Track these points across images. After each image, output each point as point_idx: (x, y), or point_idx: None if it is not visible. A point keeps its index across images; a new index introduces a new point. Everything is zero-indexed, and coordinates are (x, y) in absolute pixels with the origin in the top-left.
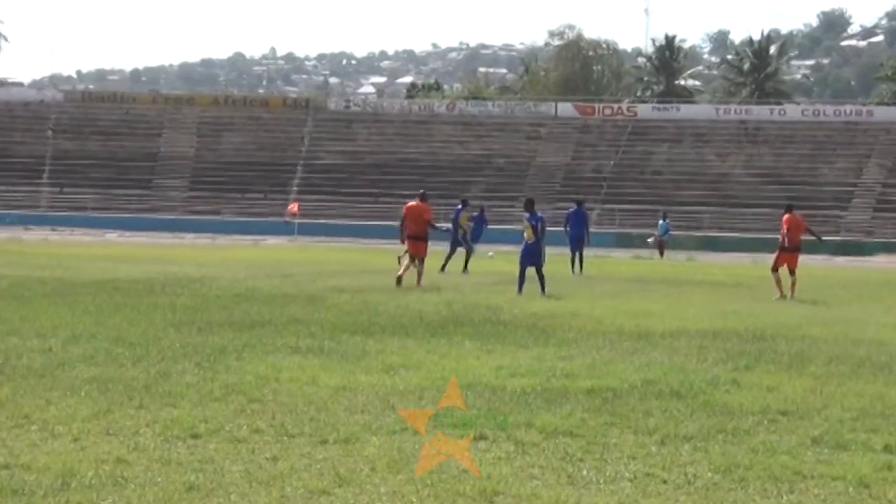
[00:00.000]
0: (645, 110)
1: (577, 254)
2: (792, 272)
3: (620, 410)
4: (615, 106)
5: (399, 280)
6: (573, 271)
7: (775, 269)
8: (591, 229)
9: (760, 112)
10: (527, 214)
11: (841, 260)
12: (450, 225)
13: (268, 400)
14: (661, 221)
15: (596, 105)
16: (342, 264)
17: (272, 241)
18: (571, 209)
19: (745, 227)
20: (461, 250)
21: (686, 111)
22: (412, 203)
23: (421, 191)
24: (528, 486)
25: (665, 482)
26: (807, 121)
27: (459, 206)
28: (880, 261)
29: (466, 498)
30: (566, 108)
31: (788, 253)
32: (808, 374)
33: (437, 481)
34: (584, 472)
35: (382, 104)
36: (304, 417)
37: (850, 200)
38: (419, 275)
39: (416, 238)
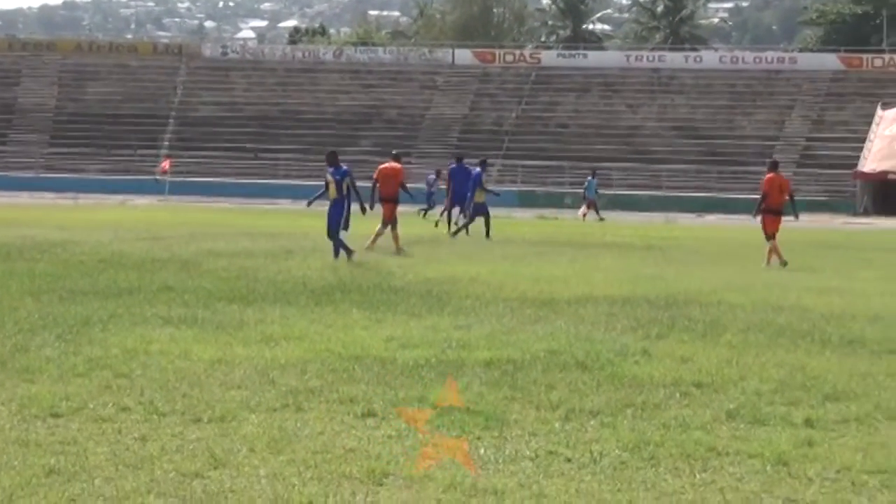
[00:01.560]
0: (550, 57)
1: (461, 212)
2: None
3: (521, 384)
4: (517, 52)
5: (370, 249)
6: (449, 227)
7: (770, 236)
8: (491, 187)
9: (674, 59)
10: (330, 169)
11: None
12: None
13: (136, 375)
14: (589, 178)
15: (496, 51)
16: (218, 226)
17: (141, 200)
18: (452, 164)
19: (659, 184)
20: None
21: (594, 58)
22: (385, 164)
23: (394, 151)
24: (420, 466)
25: (569, 461)
26: (725, 69)
27: (478, 170)
28: (803, 220)
29: (353, 480)
30: (464, 55)
31: (772, 216)
32: (723, 343)
33: (321, 462)
34: (482, 451)
35: (263, 51)
36: (176, 394)
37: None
38: (395, 239)
39: (389, 201)
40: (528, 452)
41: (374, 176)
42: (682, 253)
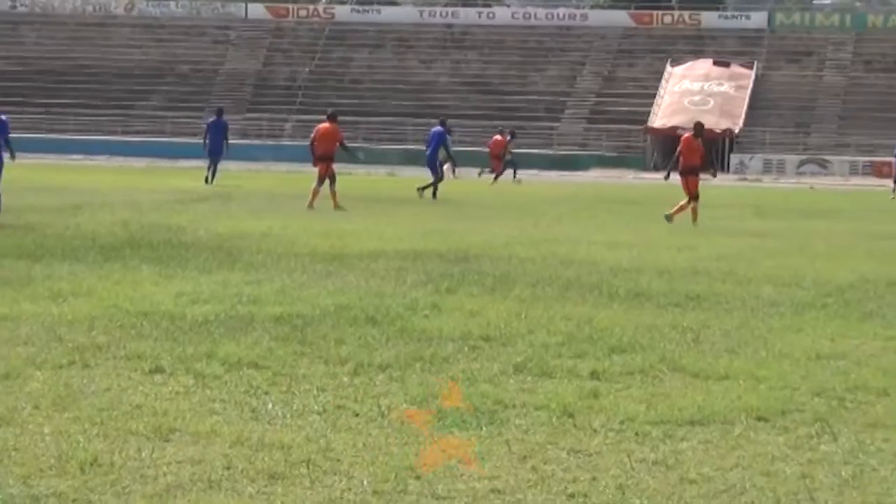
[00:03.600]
0: (343, 12)
1: (214, 167)
2: (695, 198)
3: (311, 338)
4: (310, 7)
5: (310, 205)
6: (207, 182)
7: (694, 196)
8: (279, 142)
9: (468, 15)
10: None
11: (553, 175)
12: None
13: None
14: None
15: (290, 6)
16: (5, 182)
17: None
18: (211, 119)
19: (453, 139)
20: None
21: (388, 14)
22: (322, 124)
23: (330, 110)
24: (207, 421)
25: (357, 415)
26: (517, 25)
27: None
28: (594, 175)
29: (139, 436)
30: (257, 10)
31: (683, 176)
32: (512, 297)
33: (106, 419)
34: (270, 406)
35: (53, 4)
36: None
37: (562, 111)
38: (333, 195)
39: (323, 159)
40: (316, 407)
41: (312, 136)
42: (475, 207)
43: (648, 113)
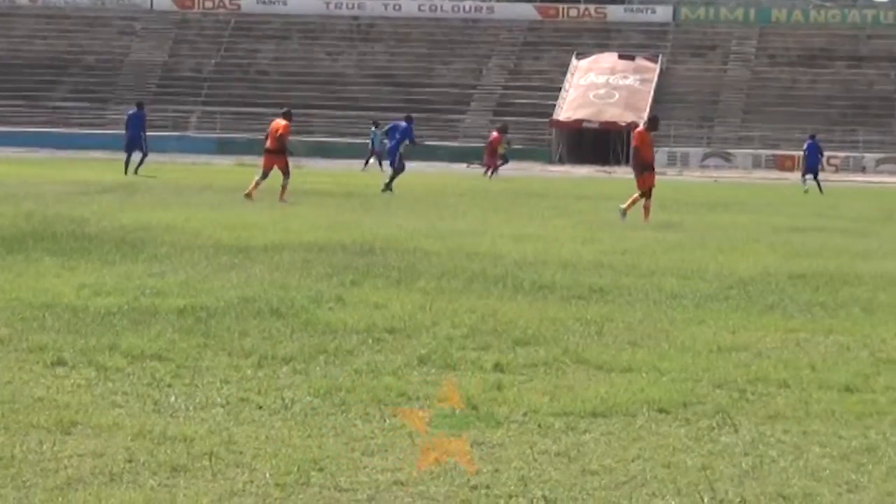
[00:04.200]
0: (249, 4)
1: (130, 156)
2: (648, 194)
3: (215, 331)
4: None
5: (249, 195)
6: (126, 173)
7: (646, 193)
8: (192, 133)
9: (374, 7)
10: None
11: (459, 167)
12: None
13: None
14: (372, 128)
15: None
16: None
17: None
18: (131, 111)
19: (359, 131)
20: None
21: (294, 5)
22: (277, 120)
23: (284, 108)
24: (109, 414)
25: (261, 407)
26: (423, 17)
27: (406, 123)
28: (501, 168)
29: (40, 430)
30: (163, 1)
31: (639, 172)
32: (417, 289)
33: (8, 412)
34: (173, 399)
35: None
36: None
37: (468, 104)
38: (282, 189)
39: (269, 152)
40: (219, 399)
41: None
42: (381, 200)
43: (554, 106)
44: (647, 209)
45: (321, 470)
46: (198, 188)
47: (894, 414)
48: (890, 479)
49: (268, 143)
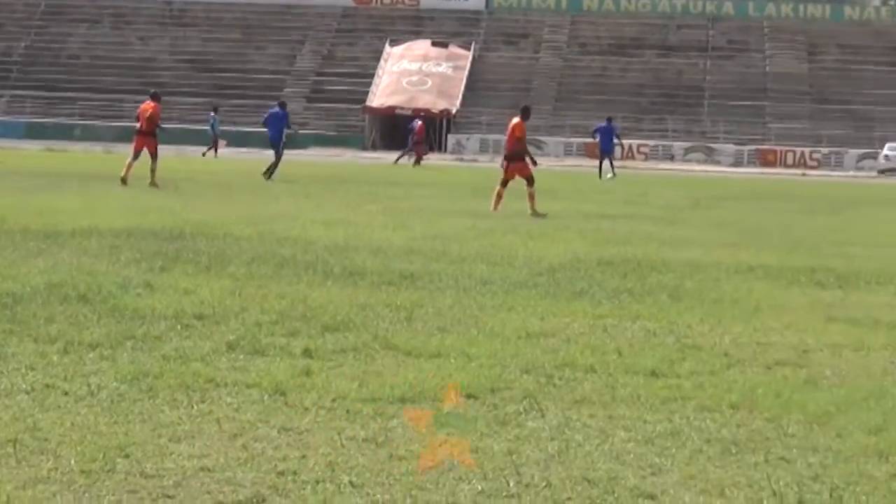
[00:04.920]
0: None
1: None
2: (529, 182)
3: (21, 317)
4: None
5: (124, 180)
6: None
7: (504, 182)
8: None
9: None
10: None
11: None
12: None
13: None
14: (212, 114)
15: None
16: None
17: None
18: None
19: (172, 116)
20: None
21: None
22: (147, 103)
23: (152, 90)
24: None
25: (66, 394)
26: (237, 2)
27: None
28: (314, 153)
29: None
30: None
31: (511, 162)
32: (227, 275)
33: None
34: None
35: None
36: None
37: (282, 90)
38: (152, 172)
39: (141, 133)
40: (24, 386)
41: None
42: (194, 186)
43: (367, 93)
44: (531, 197)
45: (127, 456)
46: (4, 173)
47: (698, 398)
48: (693, 463)
49: (139, 125)
